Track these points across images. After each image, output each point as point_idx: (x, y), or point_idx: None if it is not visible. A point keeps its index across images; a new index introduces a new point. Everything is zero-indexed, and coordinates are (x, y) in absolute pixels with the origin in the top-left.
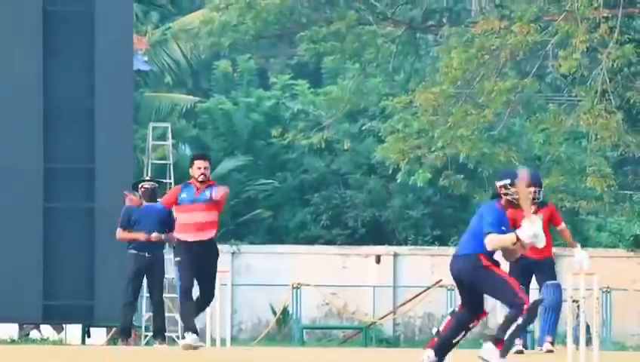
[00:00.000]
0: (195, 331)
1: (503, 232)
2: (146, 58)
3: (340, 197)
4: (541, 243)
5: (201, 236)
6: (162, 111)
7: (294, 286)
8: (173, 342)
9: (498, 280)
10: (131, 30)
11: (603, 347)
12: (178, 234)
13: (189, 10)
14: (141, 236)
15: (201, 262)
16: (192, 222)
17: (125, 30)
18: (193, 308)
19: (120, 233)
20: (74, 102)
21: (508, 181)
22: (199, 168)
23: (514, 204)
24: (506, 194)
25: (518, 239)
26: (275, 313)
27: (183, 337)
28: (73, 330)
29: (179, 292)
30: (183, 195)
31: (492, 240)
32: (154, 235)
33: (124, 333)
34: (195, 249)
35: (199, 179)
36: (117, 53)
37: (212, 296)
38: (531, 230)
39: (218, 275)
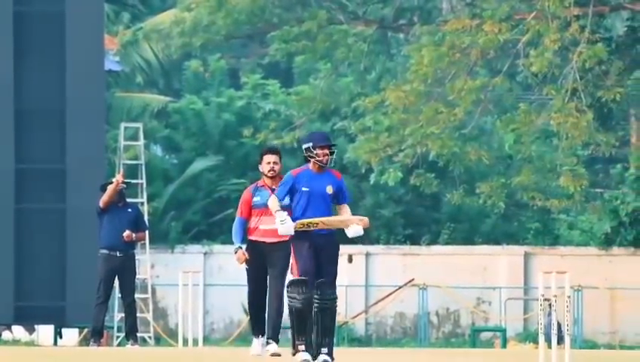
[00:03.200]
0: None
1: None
2: (117, 58)
3: None
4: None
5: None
6: (134, 111)
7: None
8: (144, 342)
9: None
10: (102, 30)
11: (574, 345)
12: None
13: (160, 10)
14: (114, 186)
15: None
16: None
17: (96, 30)
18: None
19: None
20: (45, 103)
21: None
22: (269, 163)
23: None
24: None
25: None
26: (247, 313)
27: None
28: (45, 331)
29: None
30: (257, 199)
31: (271, 201)
32: (126, 233)
33: (95, 334)
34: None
35: (269, 175)
36: (88, 53)
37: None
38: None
39: (189, 275)
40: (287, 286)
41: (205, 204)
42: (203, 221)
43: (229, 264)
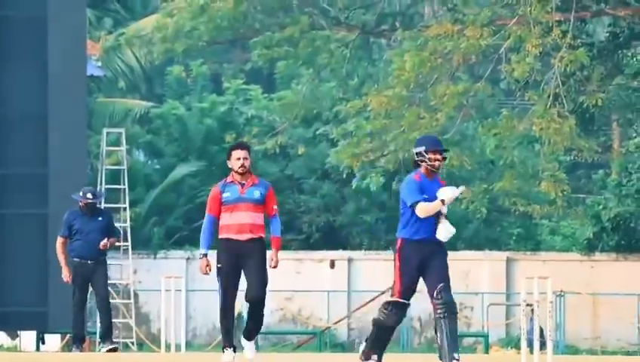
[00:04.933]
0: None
1: (426, 200)
2: (99, 63)
3: (294, 203)
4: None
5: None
6: (116, 116)
7: None
8: (127, 347)
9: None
10: (85, 36)
11: (556, 351)
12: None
13: (142, 16)
14: (65, 273)
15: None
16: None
17: (79, 36)
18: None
19: (59, 247)
20: (27, 108)
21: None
22: (238, 158)
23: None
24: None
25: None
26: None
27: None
28: (28, 337)
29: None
30: (227, 194)
31: (421, 209)
32: (102, 243)
33: (77, 340)
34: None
35: (239, 171)
36: (70, 58)
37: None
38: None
39: (172, 280)
40: (386, 303)
41: (187, 210)
42: (185, 226)
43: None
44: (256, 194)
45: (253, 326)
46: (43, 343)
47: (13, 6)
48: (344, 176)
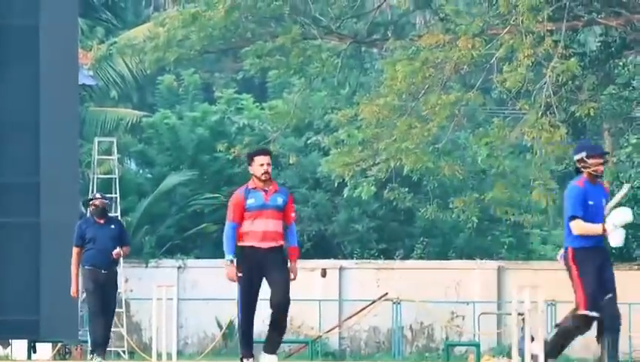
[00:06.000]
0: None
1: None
2: (91, 72)
3: None
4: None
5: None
6: (108, 125)
7: None
8: (118, 356)
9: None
10: (76, 44)
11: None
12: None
13: (134, 25)
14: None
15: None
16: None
17: (70, 44)
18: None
19: (74, 257)
20: (19, 116)
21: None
22: (262, 165)
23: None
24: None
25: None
26: (221, 327)
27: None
28: (19, 346)
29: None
30: (251, 201)
31: (578, 228)
32: (116, 252)
33: (96, 348)
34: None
35: (263, 178)
36: (62, 67)
37: None
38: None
39: (163, 289)
40: (575, 316)
41: (179, 219)
42: (177, 235)
43: (203, 278)
44: (279, 200)
45: (277, 337)
46: (34, 352)
47: (4, 15)
48: (335, 185)
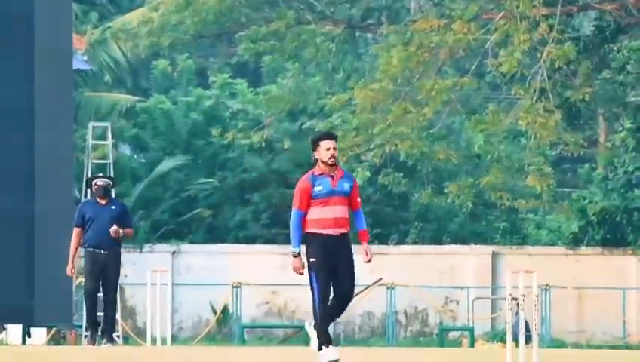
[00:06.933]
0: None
1: None
2: (85, 57)
3: (279, 197)
4: None
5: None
6: (102, 110)
7: (234, 285)
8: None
9: None
10: (71, 30)
11: (542, 344)
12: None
13: (128, 10)
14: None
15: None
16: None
17: (65, 30)
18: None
19: (73, 238)
20: (14, 103)
21: None
22: (328, 149)
23: None
24: None
25: None
26: (215, 312)
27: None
28: (14, 330)
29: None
30: (318, 188)
31: None
32: (113, 229)
33: (92, 329)
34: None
35: (329, 162)
36: (57, 52)
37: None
38: None
39: (157, 274)
40: None
41: (173, 204)
42: (171, 220)
43: (197, 263)
44: (346, 186)
45: (335, 318)
46: (29, 337)
47: None
48: None
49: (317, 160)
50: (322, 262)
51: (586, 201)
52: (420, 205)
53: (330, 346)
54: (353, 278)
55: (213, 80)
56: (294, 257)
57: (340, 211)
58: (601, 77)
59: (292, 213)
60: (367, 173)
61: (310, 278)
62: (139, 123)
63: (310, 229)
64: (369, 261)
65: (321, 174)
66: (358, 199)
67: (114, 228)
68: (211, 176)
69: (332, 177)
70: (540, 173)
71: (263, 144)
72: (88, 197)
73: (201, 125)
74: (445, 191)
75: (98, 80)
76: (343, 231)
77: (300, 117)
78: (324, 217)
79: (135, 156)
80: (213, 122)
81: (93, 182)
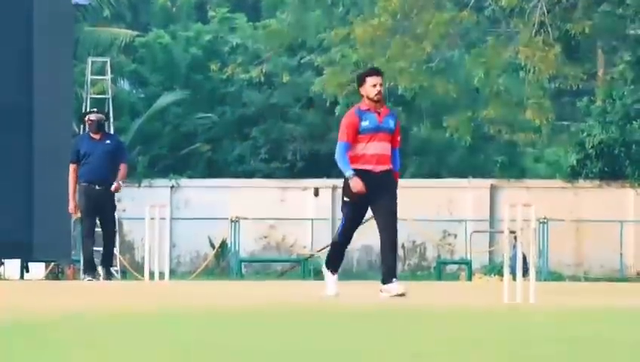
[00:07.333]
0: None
1: None
2: None
3: (278, 131)
4: None
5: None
6: (101, 45)
7: (233, 219)
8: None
9: None
10: None
11: (539, 277)
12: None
13: None
14: (71, 206)
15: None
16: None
17: None
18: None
19: (70, 174)
20: (13, 40)
21: None
22: (374, 85)
23: None
24: None
25: None
26: (213, 246)
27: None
28: (12, 265)
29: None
30: (365, 123)
31: None
32: (114, 186)
33: (87, 268)
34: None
35: (375, 98)
36: None
37: None
38: None
39: (156, 209)
40: None
41: (172, 138)
42: (170, 155)
43: (196, 198)
44: (391, 123)
45: (393, 259)
46: (27, 271)
47: None
48: (327, 104)
49: (362, 96)
50: (358, 200)
51: (585, 134)
52: (418, 139)
53: (334, 276)
54: (395, 217)
55: (212, 14)
56: (352, 180)
57: (383, 148)
58: (600, 10)
59: (338, 146)
60: None
61: (345, 210)
62: (138, 58)
63: (352, 165)
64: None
65: (368, 110)
66: (399, 138)
67: (115, 185)
68: (210, 110)
69: (378, 113)
70: (539, 107)
71: (262, 78)
72: (84, 132)
73: (201, 60)
74: (444, 124)
75: (97, 14)
76: (385, 167)
77: (299, 51)
78: (367, 153)
79: (134, 91)
80: (212, 57)
81: (87, 117)
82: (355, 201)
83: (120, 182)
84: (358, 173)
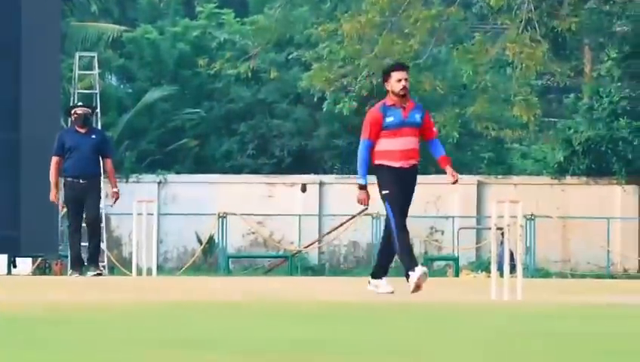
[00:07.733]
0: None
1: None
2: None
3: (266, 127)
4: None
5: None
6: (89, 40)
7: (220, 215)
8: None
9: None
10: None
11: (526, 274)
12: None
13: None
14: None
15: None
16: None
17: None
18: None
19: (52, 166)
20: (1, 34)
21: None
22: (399, 80)
23: None
24: None
25: None
26: (200, 242)
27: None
28: None
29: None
30: (390, 119)
31: None
32: (114, 195)
33: (74, 263)
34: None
35: (401, 93)
36: None
37: None
38: None
39: (143, 204)
40: None
41: (160, 134)
42: (157, 150)
43: (183, 193)
44: (417, 117)
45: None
46: (14, 267)
47: None
48: (315, 100)
49: (388, 91)
50: (397, 192)
51: (572, 131)
52: None
53: (418, 268)
54: (406, 213)
55: (200, 10)
56: (360, 189)
57: (410, 142)
58: (587, 7)
59: (360, 144)
60: (354, 104)
61: (386, 210)
62: (125, 53)
63: (379, 161)
64: (455, 181)
65: (393, 105)
66: (434, 128)
67: (114, 194)
68: (198, 106)
69: (403, 108)
70: (526, 103)
71: (250, 74)
72: (69, 126)
73: (188, 55)
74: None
75: (85, 9)
76: (413, 162)
77: (287, 47)
78: (394, 149)
79: (122, 86)
80: (200, 52)
81: (73, 111)
82: (394, 191)
83: (118, 193)
84: (387, 168)
